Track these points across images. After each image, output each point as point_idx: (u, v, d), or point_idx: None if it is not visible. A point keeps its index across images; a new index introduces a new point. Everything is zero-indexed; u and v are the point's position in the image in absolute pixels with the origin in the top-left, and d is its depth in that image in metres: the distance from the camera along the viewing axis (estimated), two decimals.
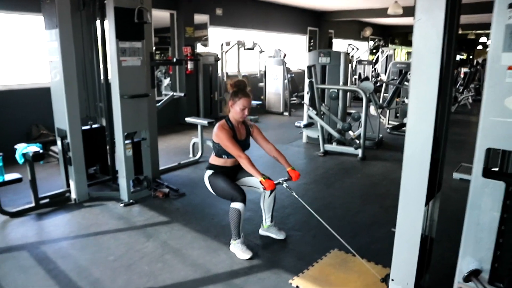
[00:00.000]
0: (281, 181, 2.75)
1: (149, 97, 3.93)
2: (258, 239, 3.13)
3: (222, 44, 8.03)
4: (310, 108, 5.59)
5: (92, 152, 4.15)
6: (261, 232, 3.20)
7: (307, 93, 5.97)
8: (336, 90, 5.62)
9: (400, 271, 2.13)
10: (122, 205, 3.72)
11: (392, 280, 2.16)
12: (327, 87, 5.78)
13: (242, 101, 2.76)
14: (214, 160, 2.92)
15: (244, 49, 8.08)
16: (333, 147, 5.85)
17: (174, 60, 5.13)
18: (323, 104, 5.86)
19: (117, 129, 3.69)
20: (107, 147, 4.33)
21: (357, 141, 5.65)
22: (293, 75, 9.29)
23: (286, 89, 9.00)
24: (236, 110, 2.79)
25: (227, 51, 8.02)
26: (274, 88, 9.07)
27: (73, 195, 3.77)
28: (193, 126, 5.22)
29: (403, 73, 7.41)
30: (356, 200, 4.04)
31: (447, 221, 3.46)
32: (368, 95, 5.52)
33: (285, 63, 8.76)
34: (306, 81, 6.31)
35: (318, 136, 5.81)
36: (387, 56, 13.72)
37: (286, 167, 2.86)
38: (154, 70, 4.14)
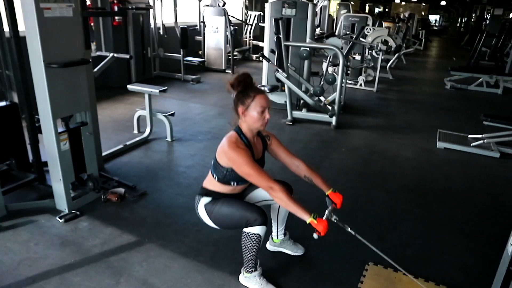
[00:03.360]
0: (327, 214, 1.88)
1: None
2: (268, 259, 2.36)
3: None
4: (279, 70, 4.74)
5: (1, 142, 2.87)
6: (271, 247, 2.43)
7: (271, 51, 5.10)
8: (308, 48, 4.82)
9: None
10: (61, 220, 2.61)
11: None
12: (299, 44, 4.94)
13: (258, 101, 1.87)
14: (214, 186, 2.04)
15: None
16: (302, 114, 5.16)
17: (116, 9, 3.76)
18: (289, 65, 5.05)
19: (44, 114, 2.49)
20: (25, 133, 3.07)
21: (329, 107, 5.02)
22: (236, 27, 8.19)
23: (228, 43, 7.91)
24: (252, 116, 1.89)
25: None
26: (215, 42, 7.91)
27: None
28: (128, 91, 4.05)
29: (360, 27, 6.84)
30: (356, 184, 3.45)
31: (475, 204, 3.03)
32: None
33: (227, 13, 7.60)
34: (266, 36, 5.41)
35: (285, 101, 5.05)
36: (321, 8, 13.13)
37: (325, 190, 2.08)
38: (87, 24, 2.88)
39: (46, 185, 3.00)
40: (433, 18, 32.96)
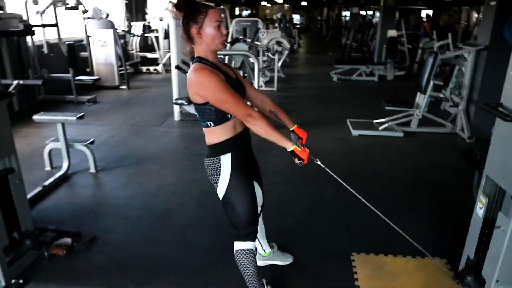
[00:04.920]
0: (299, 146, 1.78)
1: None
2: (261, 275, 2.29)
3: (26, 2, 5.66)
4: None
5: None
6: (261, 262, 2.36)
7: (182, 62, 4.92)
8: (222, 57, 4.79)
9: (507, 269, 1.84)
10: None
11: (498, 281, 1.86)
12: None
13: (212, 14, 1.66)
14: (217, 135, 1.76)
15: (66, 8, 5.96)
16: None
17: (21, 27, 3.09)
18: None
19: None
20: None
21: None
22: (127, 40, 7.66)
23: (119, 57, 7.35)
24: (209, 33, 1.66)
25: (42, 12, 5.71)
26: (104, 57, 7.26)
27: None
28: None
29: (255, 31, 7.09)
30: (303, 182, 3.57)
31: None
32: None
33: (115, 26, 7.06)
34: (174, 47, 5.21)
35: None
36: None
37: (290, 126, 1.96)
38: None
39: None
40: (294, 17, 35.95)
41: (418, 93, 4.88)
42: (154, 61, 9.38)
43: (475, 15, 16.21)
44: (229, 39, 7.00)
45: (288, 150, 1.71)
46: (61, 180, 3.52)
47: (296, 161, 1.72)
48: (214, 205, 3.07)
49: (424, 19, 13.75)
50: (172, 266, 2.36)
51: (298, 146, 1.72)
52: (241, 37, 7.96)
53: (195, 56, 1.73)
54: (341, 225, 2.86)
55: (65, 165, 3.63)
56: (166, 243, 2.61)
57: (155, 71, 9.08)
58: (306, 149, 1.75)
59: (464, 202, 3.17)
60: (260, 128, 1.66)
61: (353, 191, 2.11)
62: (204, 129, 1.80)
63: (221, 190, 1.81)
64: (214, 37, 1.68)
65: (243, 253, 1.88)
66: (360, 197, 2.12)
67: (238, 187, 1.81)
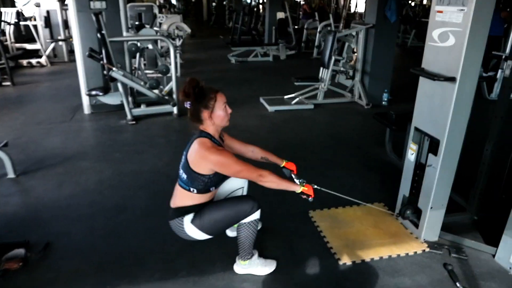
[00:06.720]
0: (296, 180, 2.15)
1: None
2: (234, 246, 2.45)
3: None
4: (114, 68, 4.35)
5: None
6: (231, 234, 2.51)
7: (91, 50, 4.58)
8: (136, 43, 4.58)
9: (438, 197, 2.33)
10: None
11: (432, 208, 2.35)
12: (126, 39, 4.60)
13: (220, 98, 1.96)
14: (193, 200, 2.00)
15: None
16: (143, 110, 4.95)
17: None
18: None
19: None
20: None
21: (167, 97, 5.02)
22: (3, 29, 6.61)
23: None
24: (219, 116, 1.96)
25: None
26: None
27: None
28: None
29: (153, 16, 6.85)
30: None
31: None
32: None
33: None
34: (76, 34, 4.80)
35: (121, 101, 4.72)
36: None
37: (280, 164, 2.30)
38: None
39: None
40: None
41: (322, 68, 5.44)
42: (35, 53, 8.31)
43: None
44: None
45: (297, 192, 2.01)
46: None
47: (305, 197, 2.02)
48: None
49: (302, 2, 14.86)
50: (151, 254, 2.35)
51: (302, 186, 2.02)
52: (137, 22, 7.62)
53: (203, 130, 1.95)
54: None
55: None
56: (133, 235, 2.55)
57: (38, 64, 8.07)
58: (308, 184, 2.07)
59: (381, 156, 3.77)
60: (272, 183, 1.96)
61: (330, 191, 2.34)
62: (182, 190, 2.00)
63: (199, 235, 2.00)
64: (223, 118, 1.96)
65: (249, 224, 2.03)
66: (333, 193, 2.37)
67: (209, 222, 1.97)
